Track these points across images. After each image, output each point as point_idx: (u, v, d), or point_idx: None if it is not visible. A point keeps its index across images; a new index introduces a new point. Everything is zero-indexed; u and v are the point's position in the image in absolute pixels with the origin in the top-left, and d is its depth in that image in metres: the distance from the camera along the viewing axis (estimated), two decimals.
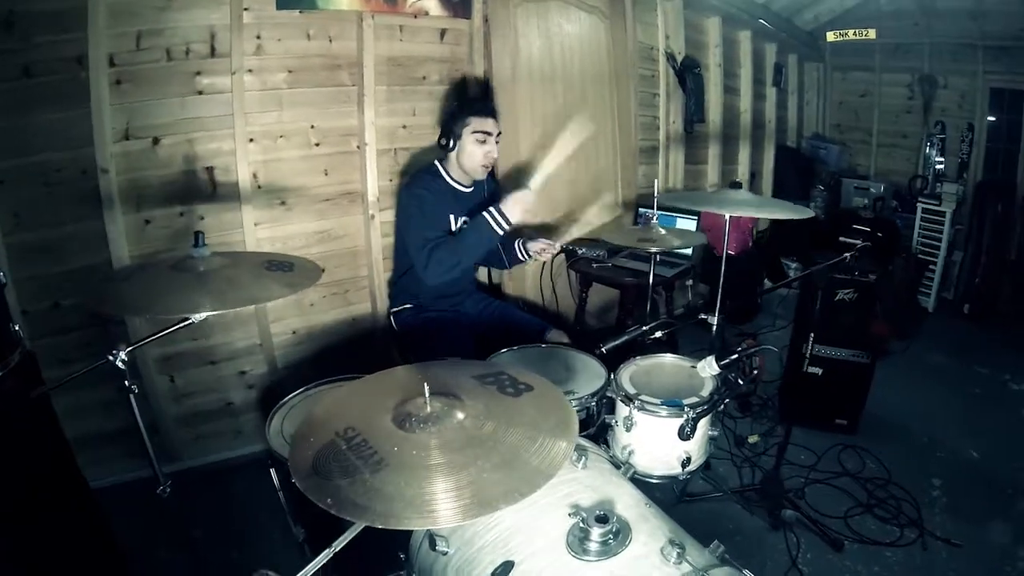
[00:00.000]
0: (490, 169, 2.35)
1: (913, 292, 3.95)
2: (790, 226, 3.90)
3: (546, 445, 1.08)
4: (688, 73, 3.69)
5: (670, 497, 2.03)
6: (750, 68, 4.32)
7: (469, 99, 2.73)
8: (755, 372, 1.72)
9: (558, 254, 3.00)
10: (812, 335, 2.60)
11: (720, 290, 2.17)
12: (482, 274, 3.06)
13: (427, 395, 1.19)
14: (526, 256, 2.46)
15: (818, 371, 2.71)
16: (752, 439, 2.60)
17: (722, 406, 1.69)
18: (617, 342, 1.93)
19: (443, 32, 2.78)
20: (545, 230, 2.90)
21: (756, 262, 3.73)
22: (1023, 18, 3.80)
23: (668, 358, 1.89)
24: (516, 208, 2.14)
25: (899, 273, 3.76)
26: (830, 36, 4.75)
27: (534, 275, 3.15)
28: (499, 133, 2.31)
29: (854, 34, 4.64)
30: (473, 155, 2.27)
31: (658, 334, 1.96)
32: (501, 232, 2.15)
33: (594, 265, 3.03)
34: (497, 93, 2.84)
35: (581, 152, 3.19)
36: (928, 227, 4.04)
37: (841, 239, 3.67)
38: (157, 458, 1.41)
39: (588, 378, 1.87)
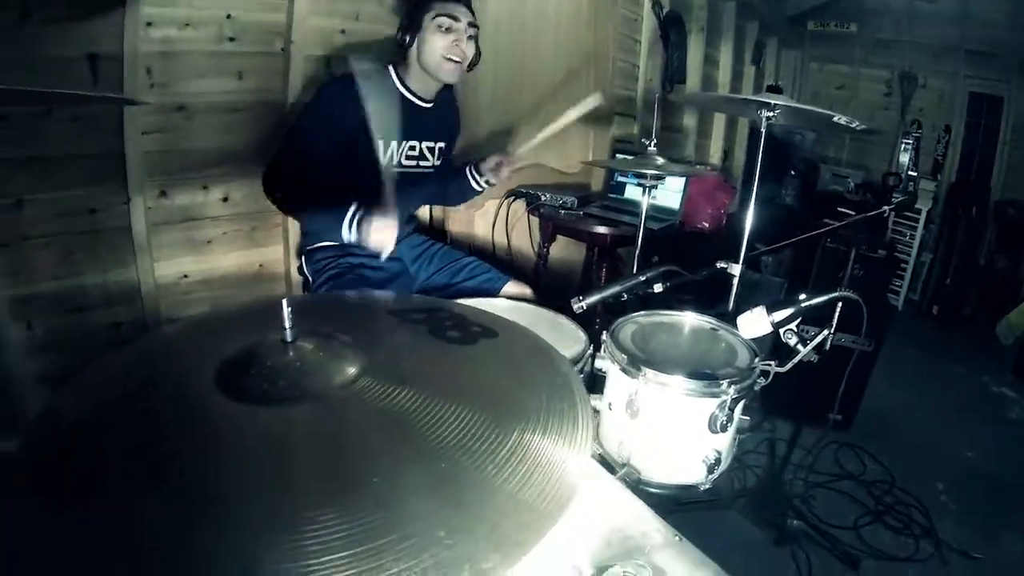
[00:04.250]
0: (462, 68, 1.68)
1: (884, 289, 3.55)
2: (762, 208, 3.42)
3: (532, 445, 0.47)
4: (672, 27, 3.13)
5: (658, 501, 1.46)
6: (732, 41, 3.84)
7: None
8: (828, 334, 1.14)
9: (513, 197, 2.39)
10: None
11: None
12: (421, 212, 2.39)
13: (287, 321, 0.54)
14: (480, 183, 1.85)
15: (813, 357, 2.19)
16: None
17: (763, 383, 1.11)
18: (603, 295, 1.33)
19: None
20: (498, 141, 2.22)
21: (727, 242, 3.23)
22: (1005, 27, 3.61)
23: (677, 316, 1.30)
24: (376, 234, 1.51)
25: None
26: (811, 25, 4.32)
27: (487, 218, 2.50)
28: (474, 27, 1.67)
29: (836, 26, 4.23)
30: (434, 47, 1.62)
31: (658, 288, 1.36)
32: (346, 239, 1.55)
33: (562, 212, 2.40)
34: None
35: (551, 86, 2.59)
36: (901, 225, 3.67)
37: (826, 221, 3.19)
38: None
39: (559, 342, 1.24)
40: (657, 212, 2.62)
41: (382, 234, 1.49)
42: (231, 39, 1.88)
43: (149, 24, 1.72)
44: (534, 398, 0.53)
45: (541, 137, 1.74)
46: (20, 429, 0.60)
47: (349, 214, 1.52)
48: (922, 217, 3.55)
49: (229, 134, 1.96)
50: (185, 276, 2.00)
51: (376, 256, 1.75)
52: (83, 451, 0.52)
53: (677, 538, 0.77)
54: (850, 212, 3.22)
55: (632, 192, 2.72)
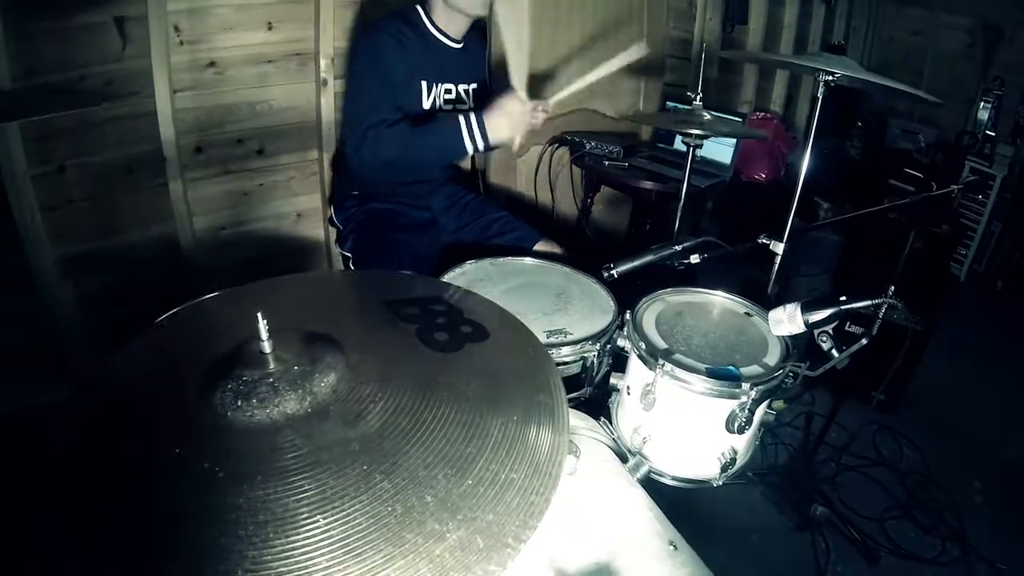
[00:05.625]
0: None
1: (946, 263, 3.27)
2: (824, 161, 3.16)
3: (501, 471, 0.44)
4: None
5: None
6: None
7: None
8: (864, 342, 1.03)
9: (557, 144, 2.26)
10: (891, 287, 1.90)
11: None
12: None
13: (263, 334, 0.51)
14: None
15: (860, 332, 2.05)
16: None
17: (793, 382, 1.03)
18: (634, 264, 1.26)
19: None
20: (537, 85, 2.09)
21: (785, 195, 3.01)
22: None
23: (711, 296, 1.22)
24: (503, 121, 1.45)
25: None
26: None
27: (528, 166, 2.39)
28: None
29: None
30: None
31: (695, 258, 1.28)
32: (471, 150, 1.48)
33: (606, 163, 2.27)
34: None
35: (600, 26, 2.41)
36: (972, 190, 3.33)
37: (891, 182, 2.94)
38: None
39: (588, 312, 1.21)
40: (706, 166, 2.44)
41: (509, 120, 1.44)
42: None
43: None
44: (505, 422, 0.49)
45: (578, 86, 1.59)
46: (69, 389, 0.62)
47: (463, 125, 1.46)
48: (996, 184, 3.20)
49: (262, 86, 1.94)
50: (223, 228, 2.03)
51: (404, 206, 1.69)
52: (88, 457, 0.51)
53: (672, 547, 0.73)
54: (918, 174, 2.94)
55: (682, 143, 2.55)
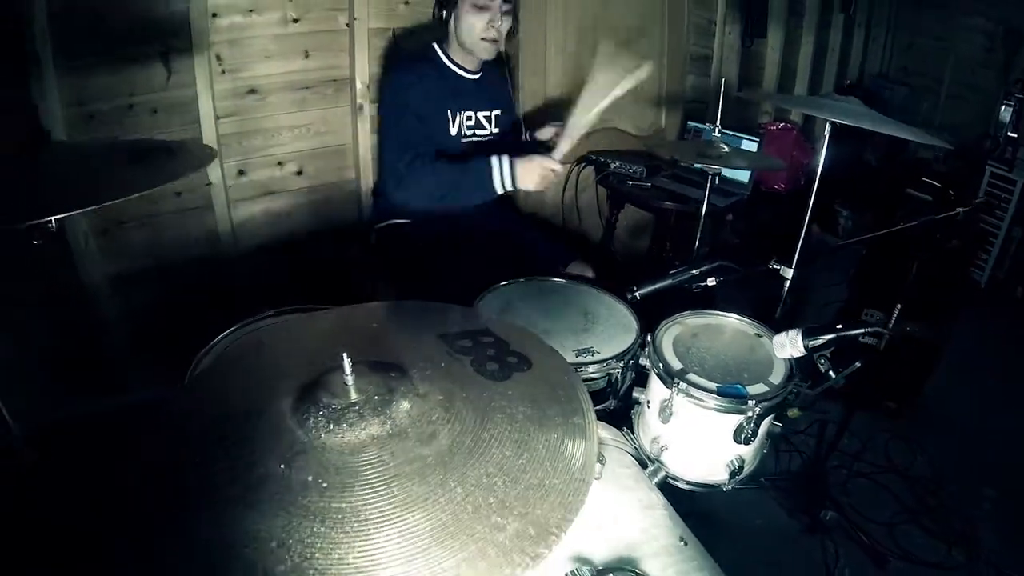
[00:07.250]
0: (499, 45, 1.72)
1: (968, 264, 3.30)
2: (842, 168, 3.22)
3: (546, 478, 0.60)
4: None
5: None
6: None
7: None
8: (858, 365, 1.15)
9: (583, 164, 2.40)
10: (898, 306, 1.94)
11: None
12: None
13: (347, 369, 0.64)
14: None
15: (873, 342, 2.12)
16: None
17: (795, 398, 1.14)
18: (656, 286, 1.38)
19: None
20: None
21: (805, 204, 3.05)
22: None
23: (724, 319, 1.34)
24: (532, 175, 1.60)
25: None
26: None
27: (555, 186, 2.51)
28: (509, 1, 1.69)
29: None
30: (472, 27, 1.67)
31: (711, 281, 1.39)
32: (499, 191, 1.63)
33: (629, 183, 2.39)
34: None
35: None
36: (995, 188, 3.35)
37: (908, 191, 2.99)
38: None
39: (614, 331, 1.34)
40: (725, 185, 2.55)
41: (537, 175, 1.60)
42: (295, 20, 1.97)
43: (215, 15, 1.83)
44: (548, 440, 0.63)
45: (593, 114, 1.67)
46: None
47: (496, 167, 1.60)
48: (1017, 189, 3.23)
49: (300, 111, 2.09)
50: (266, 248, 2.18)
51: (452, 228, 1.80)
52: (200, 466, 0.64)
53: (683, 543, 0.85)
54: (935, 183, 2.99)
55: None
